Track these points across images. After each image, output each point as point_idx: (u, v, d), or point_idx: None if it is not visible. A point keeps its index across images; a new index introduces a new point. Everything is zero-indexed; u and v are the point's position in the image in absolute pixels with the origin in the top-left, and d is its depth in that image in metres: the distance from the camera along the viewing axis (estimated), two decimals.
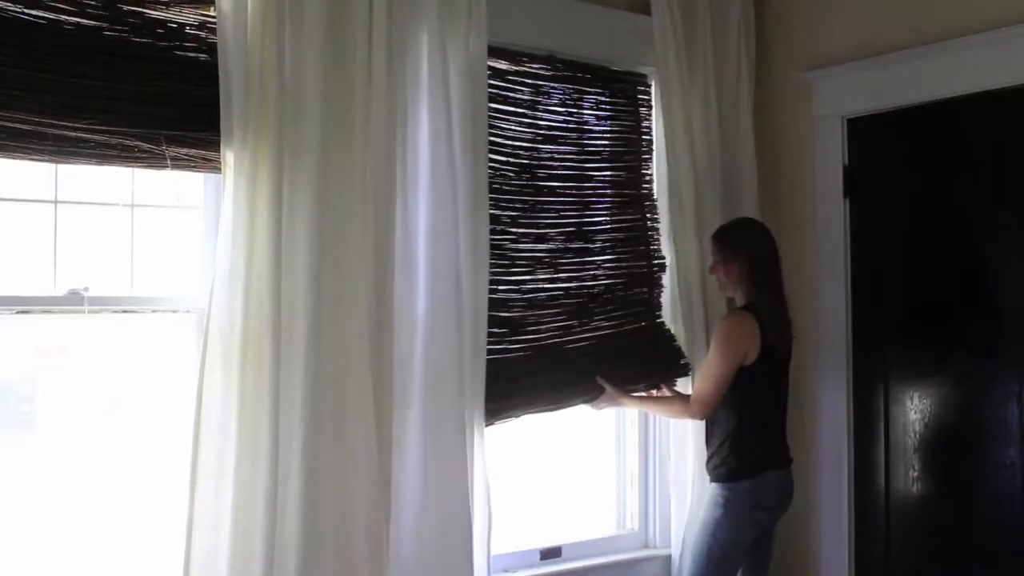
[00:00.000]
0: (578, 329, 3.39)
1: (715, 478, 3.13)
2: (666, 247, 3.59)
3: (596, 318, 3.45)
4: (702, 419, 3.15)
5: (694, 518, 3.29)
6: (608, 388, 3.26)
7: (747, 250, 3.15)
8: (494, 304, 3.06)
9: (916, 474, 3.43)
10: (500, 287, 3.16)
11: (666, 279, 3.60)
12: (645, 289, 3.58)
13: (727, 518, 3.06)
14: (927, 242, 3.43)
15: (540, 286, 3.33)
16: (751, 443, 3.09)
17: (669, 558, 3.57)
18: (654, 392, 3.43)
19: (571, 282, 3.41)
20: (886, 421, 3.51)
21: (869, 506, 3.54)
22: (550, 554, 3.39)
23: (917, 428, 3.43)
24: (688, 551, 3.22)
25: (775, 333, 3.08)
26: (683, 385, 3.49)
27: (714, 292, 3.49)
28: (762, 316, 3.06)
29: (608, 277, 3.51)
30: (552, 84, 3.42)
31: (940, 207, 3.40)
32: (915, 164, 3.47)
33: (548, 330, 3.31)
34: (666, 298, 3.60)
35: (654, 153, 3.64)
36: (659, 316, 3.60)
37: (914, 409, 3.44)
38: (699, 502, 3.32)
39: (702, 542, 3.11)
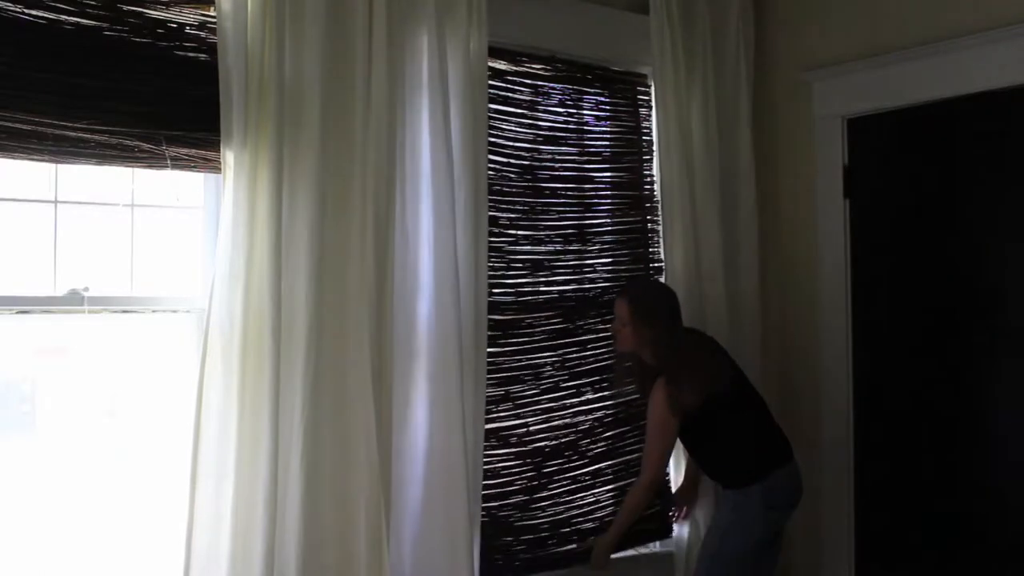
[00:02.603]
0: (573, 330, 3.40)
1: (726, 485, 3.14)
2: (663, 248, 3.58)
3: (591, 320, 3.45)
4: (660, 478, 3.16)
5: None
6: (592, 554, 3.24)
7: (660, 318, 3.10)
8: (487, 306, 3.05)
9: (917, 470, 3.42)
10: (495, 290, 3.16)
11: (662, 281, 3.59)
12: None
13: (741, 521, 3.06)
14: (927, 242, 3.43)
15: (536, 288, 3.34)
16: (748, 451, 3.09)
17: (669, 557, 3.58)
18: None
19: (567, 285, 3.42)
20: (886, 418, 3.51)
21: (870, 504, 3.54)
22: None
23: (917, 426, 3.43)
24: (701, 554, 3.20)
25: (709, 380, 3.04)
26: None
27: (711, 293, 3.50)
28: (683, 376, 3.02)
29: (605, 280, 3.51)
30: (552, 84, 3.43)
31: (940, 207, 3.39)
32: (915, 164, 3.47)
33: (541, 333, 3.33)
34: None
35: (654, 154, 3.64)
36: None
37: (915, 406, 3.44)
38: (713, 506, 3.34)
39: (716, 545, 3.10)
